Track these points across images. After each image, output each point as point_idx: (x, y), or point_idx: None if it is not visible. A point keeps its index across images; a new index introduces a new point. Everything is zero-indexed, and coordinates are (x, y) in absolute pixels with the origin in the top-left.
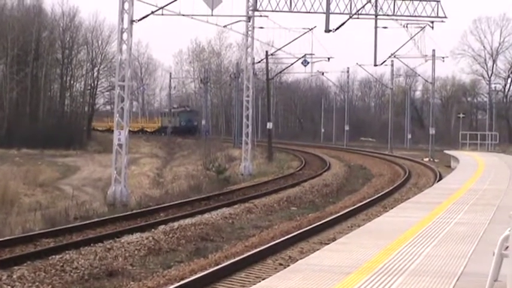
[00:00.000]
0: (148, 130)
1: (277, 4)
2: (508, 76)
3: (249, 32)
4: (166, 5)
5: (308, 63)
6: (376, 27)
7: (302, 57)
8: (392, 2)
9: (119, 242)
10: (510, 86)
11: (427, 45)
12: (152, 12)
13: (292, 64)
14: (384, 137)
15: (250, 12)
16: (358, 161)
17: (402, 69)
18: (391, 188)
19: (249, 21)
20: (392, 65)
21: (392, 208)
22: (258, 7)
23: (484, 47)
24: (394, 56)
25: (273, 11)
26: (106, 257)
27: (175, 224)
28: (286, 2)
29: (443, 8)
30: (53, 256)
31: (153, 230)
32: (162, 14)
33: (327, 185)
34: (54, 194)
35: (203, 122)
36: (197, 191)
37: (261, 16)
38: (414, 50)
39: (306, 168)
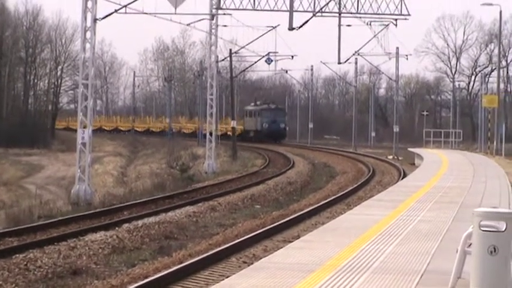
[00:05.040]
0: (231, 134)
1: (241, 2)
2: (472, 74)
3: (213, 30)
4: (130, 3)
5: (272, 61)
6: (339, 25)
7: (266, 55)
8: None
9: (82, 241)
10: (474, 83)
11: (391, 42)
12: (115, 11)
13: (256, 62)
14: (348, 135)
15: (213, 11)
16: (322, 158)
17: (366, 67)
18: (355, 185)
19: (213, 20)
20: (356, 63)
21: (356, 206)
22: (221, 5)
23: (447, 44)
24: (358, 54)
25: (236, 9)
26: (70, 256)
27: (139, 223)
28: (249, 0)
29: (407, 6)
30: (17, 255)
31: (117, 228)
32: (126, 13)
33: (291, 182)
34: (18, 193)
35: (167, 120)
36: (161, 189)
37: (224, 14)
38: (378, 47)
39: (270, 166)
